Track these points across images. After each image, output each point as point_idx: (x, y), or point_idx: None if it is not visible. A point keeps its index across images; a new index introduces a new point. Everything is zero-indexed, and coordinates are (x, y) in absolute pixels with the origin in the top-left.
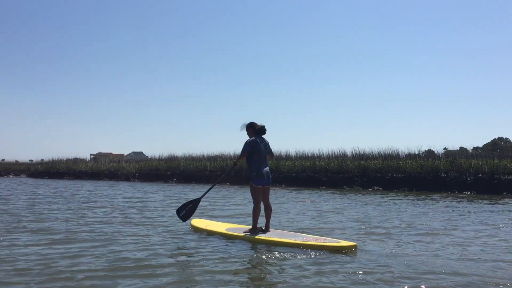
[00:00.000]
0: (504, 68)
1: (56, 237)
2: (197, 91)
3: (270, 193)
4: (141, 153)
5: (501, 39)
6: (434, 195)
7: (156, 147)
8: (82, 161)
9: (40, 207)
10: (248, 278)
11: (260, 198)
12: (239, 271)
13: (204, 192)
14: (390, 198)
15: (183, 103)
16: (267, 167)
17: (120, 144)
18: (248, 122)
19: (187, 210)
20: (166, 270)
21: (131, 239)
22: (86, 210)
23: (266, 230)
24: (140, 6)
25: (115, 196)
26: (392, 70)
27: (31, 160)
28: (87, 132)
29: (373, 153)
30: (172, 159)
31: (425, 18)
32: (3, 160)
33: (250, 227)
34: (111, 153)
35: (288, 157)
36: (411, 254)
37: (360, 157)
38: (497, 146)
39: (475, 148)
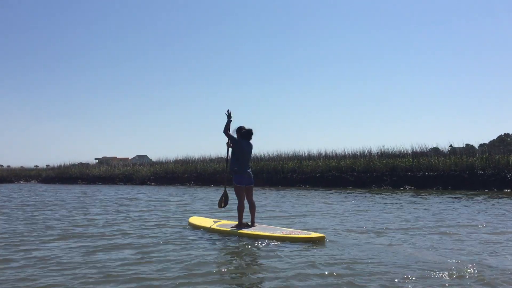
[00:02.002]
0: (507, 63)
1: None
2: (201, 93)
3: (317, 195)
4: (145, 156)
5: (505, 34)
6: (473, 193)
7: (160, 150)
8: (94, 165)
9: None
10: (230, 266)
11: (243, 196)
12: (223, 260)
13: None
14: (440, 197)
15: (187, 105)
16: (249, 169)
17: (124, 148)
18: (237, 126)
19: (223, 201)
20: (161, 258)
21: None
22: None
23: (252, 225)
24: (143, 9)
25: (168, 200)
26: (394, 68)
27: (36, 166)
28: (92, 137)
29: (401, 151)
30: (188, 161)
31: (427, 15)
32: (8, 166)
33: (237, 222)
34: (116, 157)
35: (310, 157)
36: None
37: (387, 156)
38: (504, 142)
39: (482, 145)
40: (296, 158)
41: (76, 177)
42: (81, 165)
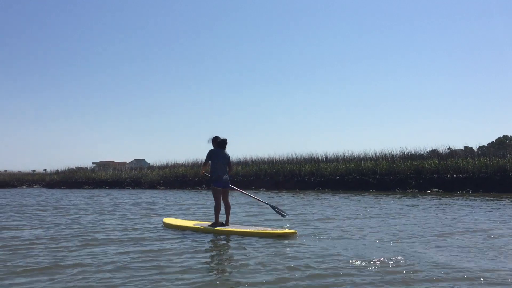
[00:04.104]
0: (506, 64)
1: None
2: (198, 97)
3: (351, 199)
4: (143, 160)
5: (504, 34)
6: (507, 195)
7: (158, 154)
8: (101, 170)
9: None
10: (205, 259)
11: (219, 197)
12: (199, 255)
13: (273, 207)
14: (483, 201)
15: (184, 109)
16: (226, 175)
17: (121, 152)
18: (213, 136)
19: (277, 210)
20: (143, 255)
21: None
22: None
23: (226, 224)
24: (142, 13)
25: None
26: (391, 69)
27: (34, 170)
28: (88, 141)
29: (424, 152)
30: (199, 164)
31: (425, 16)
32: (5, 171)
33: (212, 222)
34: (113, 161)
35: (327, 159)
36: None
37: (411, 157)
38: (503, 144)
39: (481, 147)
40: (313, 161)
41: (82, 181)
42: (79, 169)
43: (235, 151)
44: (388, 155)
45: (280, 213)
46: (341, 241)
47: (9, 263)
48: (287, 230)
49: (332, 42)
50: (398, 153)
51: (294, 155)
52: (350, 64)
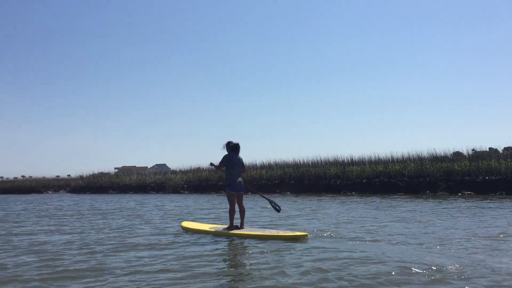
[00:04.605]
0: None
1: None
2: (220, 101)
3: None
4: (164, 165)
5: None
6: None
7: (179, 159)
8: (125, 175)
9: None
10: (220, 262)
11: (234, 201)
12: (216, 258)
13: (270, 201)
14: None
15: (207, 113)
16: (240, 178)
17: (143, 157)
18: (226, 141)
19: (273, 205)
20: (164, 253)
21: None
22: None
23: (241, 227)
24: (163, 16)
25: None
26: (413, 72)
27: (57, 176)
28: (110, 146)
29: (447, 154)
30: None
31: (448, 16)
32: (30, 176)
33: (228, 225)
34: (135, 166)
35: (352, 162)
36: None
37: (440, 159)
38: None
39: (506, 149)
40: (338, 164)
41: (107, 186)
42: (102, 174)
43: (258, 155)
44: (416, 157)
45: (275, 207)
46: (377, 246)
47: (43, 269)
48: (298, 233)
49: (356, 44)
50: (426, 155)
51: (319, 158)
52: (374, 66)
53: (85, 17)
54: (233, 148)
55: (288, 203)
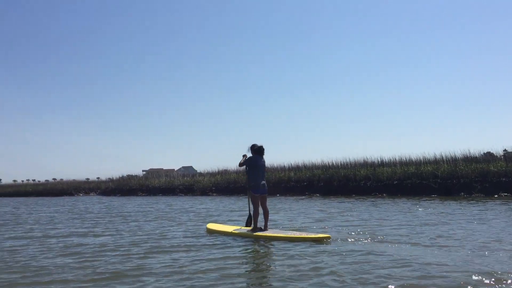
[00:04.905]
0: None
1: None
2: (246, 103)
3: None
4: (190, 167)
5: None
6: None
7: (205, 161)
8: (154, 177)
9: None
10: (243, 264)
11: (258, 203)
12: (238, 257)
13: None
14: None
15: (231, 116)
16: (264, 181)
17: (170, 159)
18: (251, 144)
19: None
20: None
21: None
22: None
23: (264, 229)
24: (188, 21)
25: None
26: (443, 72)
27: (87, 179)
28: (138, 149)
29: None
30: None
31: (487, 17)
32: (61, 179)
33: (251, 227)
34: (162, 168)
35: (382, 163)
36: None
37: (474, 160)
38: None
39: None
40: (368, 165)
41: (136, 189)
42: (131, 177)
43: (286, 156)
44: (450, 158)
45: (247, 223)
46: (414, 248)
47: (83, 270)
48: (321, 235)
49: (387, 46)
50: (460, 156)
51: (348, 160)
52: (405, 67)
53: (117, 20)
54: (257, 150)
55: (317, 205)
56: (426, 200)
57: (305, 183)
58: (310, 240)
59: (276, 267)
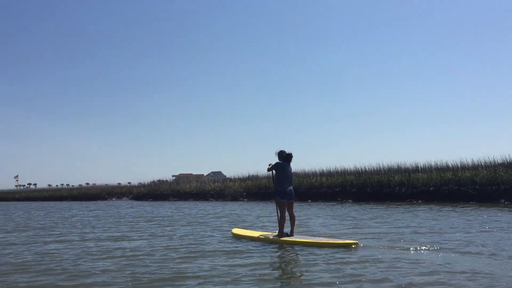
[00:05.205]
0: None
1: None
2: (276, 108)
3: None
4: (220, 172)
5: None
6: None
7: (234, 166)
8: (185, 182)
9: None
10: (270, 269)
11: (285, 209)
12: (267, 263)
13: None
14: None
15: (260, 121)
16: (291, 187)
17: (199, 164)
18: (279, 149)
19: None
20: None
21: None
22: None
23: (290, 234)
24: (213, 29)
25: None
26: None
27: (119, 183)
28: (168, 155)
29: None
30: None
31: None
32: (94, 184)
33: (278, 232)
34: (191, 173)
35: (417, 169)
36: None
37: None
38: None
39: None
40: (402, 171)
41: (167, 193)
42: (161, 182)
43: (318, 162)
44: (489, 164)
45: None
46: (449, 256)
47: (122, 274)
48: (348, 241)
49: (427, 51)
50: (500, 161)
51: (381, 165)
52: (441, 74)
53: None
54: (285, 157)
55: (350, 211)
56: (464, 206)
57: (337, 189)
58: (337, 246)
59: (302, 273)
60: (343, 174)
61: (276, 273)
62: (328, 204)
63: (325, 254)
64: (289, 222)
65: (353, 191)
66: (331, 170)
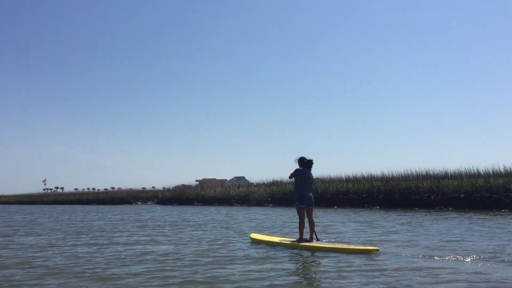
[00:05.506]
0: None
1: None
2: (300, 114)
3: None
4: (243, 178)
5: None
6: None
7: (257, 172)
8: (203, 186)
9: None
10: (289, 275)
11: (303, 215)
12: (287, 268)
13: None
14: None
15: (285, 127)
16: (310, 193)
17: (222, 169)
18: (300, 156)
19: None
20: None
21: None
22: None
23: (310, 240)
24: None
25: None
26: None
27: (143, 188)
28: (192, 160)
29: None
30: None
31: None
32: (119, 188)
33: (297, 238)
34: (215, 178)
35: (446, 175)
36: None
37: None
38: None
39: None
40: (430, 177)
41: (192, 198)
42: (184, 186)
43: (344, 167)
44: None
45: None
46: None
47: (154, 278)
48: (369, 247)
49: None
50: None
51: (410, 171)
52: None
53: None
54: (306, 164)
55: (376, 217)
56: (497, 214)
57: (364, 195)
58: (357, 252)
59: (320, 278)
60: (369, 180)
61: (294, 279)
62: (354, 210)
63: (344, 260)
64: (308, 228)
65: (380, 197)
66: (357, 176)
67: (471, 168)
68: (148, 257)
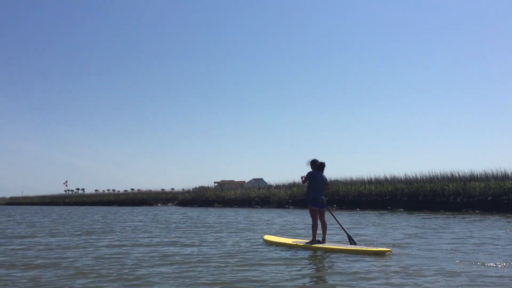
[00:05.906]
0: None
1: None
2: (317, 117)
3: None
4: (261, 179)
5: None
6: None
7: (275, 173)
8: (223, 188)
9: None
10: (301, 276)
11: (316, 217)
12: (300, 270)
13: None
14: None
15: (304, 128)
16: (323, 195)
17: (241, 171)
18: (312, 158)
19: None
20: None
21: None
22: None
23: (322, 241)
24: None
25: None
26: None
27: (163, 189)
28: (210, 161)
29: None
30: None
31: None
32: (139, 189)
33: (310, 240)
34: (233, 180)
35: (472, 177)
36: None
37: None
38: None
39: None
40: (456, 179)
41: (212, 200)
42: (203, 188)
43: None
44: None
45: (350, 241)
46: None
47: (182, 279)
48: (381, 249)
49: (472, 59)
50: None
51: (434, 173)
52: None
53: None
54: (318, 166)
55: (400, 220)
56: None
57: (387, 197)
58: (370, 253)
59: (333, 280)
60: (392, 182)
61: (304, 281)
62: (377, 212)
63: (356, 261)
64: (321, 230)
65: (404, 199)
66: (380, 178)
67: (499, 169)
68: (173, 258)
